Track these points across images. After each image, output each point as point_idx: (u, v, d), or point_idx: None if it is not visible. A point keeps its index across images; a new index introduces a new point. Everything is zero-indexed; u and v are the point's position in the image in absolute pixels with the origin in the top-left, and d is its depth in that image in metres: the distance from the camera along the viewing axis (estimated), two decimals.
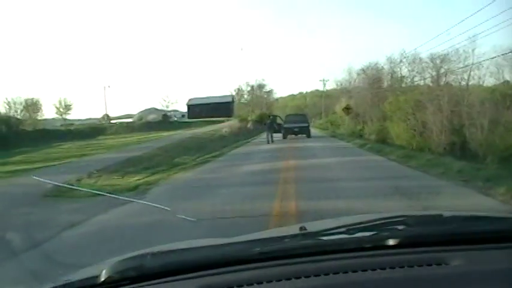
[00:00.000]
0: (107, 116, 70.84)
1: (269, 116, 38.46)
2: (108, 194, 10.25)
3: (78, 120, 72.49)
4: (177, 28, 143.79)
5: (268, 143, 28.84)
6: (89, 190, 11.08)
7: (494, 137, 25.85)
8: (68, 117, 72.67)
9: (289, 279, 1.34)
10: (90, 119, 77.91)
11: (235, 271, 1.41)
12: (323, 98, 69.81)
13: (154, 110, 75.17)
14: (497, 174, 10.12)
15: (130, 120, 68.63)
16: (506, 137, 25.15)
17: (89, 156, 23.79)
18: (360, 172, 12.54)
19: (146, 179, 13.52)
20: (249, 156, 19.66)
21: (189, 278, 1.39)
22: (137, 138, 36.91)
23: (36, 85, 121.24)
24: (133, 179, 13.65)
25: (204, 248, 1.73)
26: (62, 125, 58.79)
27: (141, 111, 77.46)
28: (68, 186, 11.75)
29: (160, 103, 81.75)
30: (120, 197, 9.73)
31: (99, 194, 10.65)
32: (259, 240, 1.73)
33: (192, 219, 6.89)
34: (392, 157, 16.26)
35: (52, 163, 20.91)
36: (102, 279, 1.41)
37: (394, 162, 14.99)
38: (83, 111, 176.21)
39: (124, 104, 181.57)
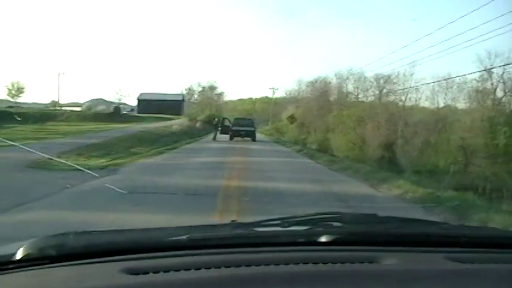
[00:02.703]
0: (58, 103, 71.75)
1: (219, 118, 42.06)
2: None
3: (24, 103, 72.67)
4: (132, 21, 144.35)
5: (214, 139, 34.44)
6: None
7: (415, 154, 30.02)
8: (14, 99, 73.16)
9: (218, 267, 1.34)
10: (36, 103, 77.74)
11: (162, 257, 1.41)
12: (272, 105, 72.85)
13: (102, 101, 76.06)
14: (388, 176, 14.01)
15: (78, 108, 69.39)
16: (427, 155, 29.26)
17: (48, 139, 25.26)
18: (289, 168, 16.47)
19: (112, 162, 16.35)
20: (200, 151, 23.33)
21: (112, 261, 1.37)
22: (90, 128, 37.87)
23: None
24: (99, 161, 16.37)
25: (132, 232, 1.71)
26: (8, 107, 59.15)
27: (89, 101, 77.96)
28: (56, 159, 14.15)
29: (113, 95, 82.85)
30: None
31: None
32: (189, 227, 1.70)
33: (123, 191, 7.93)
34: (320, 161, 20.42)
35: (12, 143, 22.33)
36: (19, 256, 1.38)
37: (320, 164, 19.10)
38: (29, 95, 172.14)
39: (71, 91, 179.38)
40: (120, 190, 8.08)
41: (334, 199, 9.51)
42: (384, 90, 39.48)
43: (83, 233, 1.61)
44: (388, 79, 38.63)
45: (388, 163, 30.14)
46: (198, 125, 51.58)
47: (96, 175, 11.34)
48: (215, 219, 7.20)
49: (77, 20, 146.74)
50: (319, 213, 1.81)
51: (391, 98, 38.29)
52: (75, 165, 12.90)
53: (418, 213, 8.77)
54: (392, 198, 10.71)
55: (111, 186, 8.32)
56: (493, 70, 25.10)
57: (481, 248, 1.68)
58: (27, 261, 1.37)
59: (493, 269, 1.51)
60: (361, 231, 1.71)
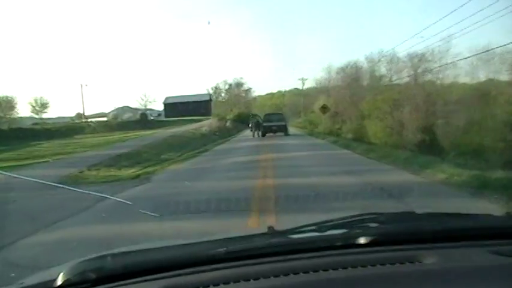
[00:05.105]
0: (83, 115, 73.27)
1: (251, 115, 42.73)
2: None
3: (49, 119, 74.30)
4: (151, 26, 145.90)
5: (253, 137, 35.95)
6: None
7: (458, 134, 29.42)
8: (38, 115, 75.06)
9: (257, 278, 1.36)
10: (61, 117, 79.40)
11: (200, 271, 1.43)
12: (302, 97, 72.82)
13: (128, 109, 77.42)
14: (430, 161, 13.83)
15: (104, 118, 70.62)
16: (471, 135, 28.61)
17: (77, 153, 25.91)
18: (325, 161, 16.50)
19: (143, 170, 16.58)
20: (232, 152, 23.62)
21: (151, 280, 1.41)
22: (118, 137, 38.56)
23: (9, 83, 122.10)
24: (131, 171, 16.59)
25: (168, 248, 1.76)
26: (33, 124, 60.71)
27: (115, 110, 79.40)
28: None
29: (138, 101, 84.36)
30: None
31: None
32: (226, 239, 1.74)
33: (155, 214, 7.64)
34: (357, 151, 20.45)
35: (41, 160, 22.46)
36: (60, 282, 1.42)
37: (357, 154, 19.11)
38: (53, 110, 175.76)
39: (96, 102, 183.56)
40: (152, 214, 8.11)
41: (375, 190, 9.44)
42: (419, 70, 38.67)
43: (120, 253, 1.67)
44: (422, 57, 37.80)
45: (430, 146, 29.61)
46: (227, 124, 51.96)
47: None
48: (253, 220, 7.29)
49: (95, 30, 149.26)
50: (355, 215, 1.84)
51: (428, 77, 37.47)
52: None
53: (465, 198, 8.69)
54: (437, 183, 10.57)
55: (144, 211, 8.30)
56: None
57: None
58: (68, 287, 1.43)
59: None
60: (399, 230, 1.72)
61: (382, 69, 45.63)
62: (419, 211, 2.04)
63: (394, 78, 43.99)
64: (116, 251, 1.70)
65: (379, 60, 45.78)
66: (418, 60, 38.74)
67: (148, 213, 7.73)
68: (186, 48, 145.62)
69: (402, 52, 44.53)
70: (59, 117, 78.69)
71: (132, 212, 8.51)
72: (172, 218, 7.68)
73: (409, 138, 32.99)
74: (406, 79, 40.45)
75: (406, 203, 7.74)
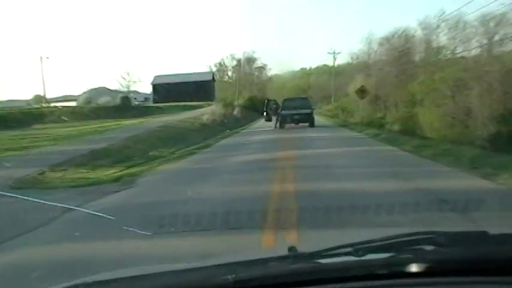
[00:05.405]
0: (44, 98, 73.25)
1: (266, 101, 43.06)
2: None
3: None
4: None
5: (275, 127, 36.90)
6: None
7: None
8: None
9: None
10: (13, 100, 78.24)
11: None
12: (333, 76, 72.83)
13: (105, 91, 77.45)
14: (509, 161, 13.58)
15: (73, 103, 70.58)
16: None
17: (35, 148, 25.33)
18: (363, 161, 16.49)
19: (126, 171, 16.79)
20: (242, 147, 23.81)
21: None
22: (92, 128, 38.52)
23: None
24: (109, 172, 16.76)
25: (160, 275, 1.74)
26: None
27: (87, 92, 79.60)
28: None
29: (118, 81, 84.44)
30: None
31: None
32: (234, 263, 1.76)
33: (146, 233, 7.56)
34: (406, 147, 20.27)
35: None
36: None
37: (406, 152, 18.97)
38: (0, 91, 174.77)
39: (62, 81, 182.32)
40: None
41: (430, 199, 9.31)
42: (496, 37, 37.56)
43: (97, 282, 1.67)
44: (502, 19, 36.40)
45: (508, 142, 29.07)
46: (235, 112, 52.10)
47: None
48: (268, 238, 7.24)
49: None
50: (404, 234, 1.78)
51: (508, 47, 36.68)
52: None
53: None
54: None
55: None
56: None
57: None
58: None
59: None
60: (463, 256, 1.64)
61: (442, 39, 44.73)
62: (492, 230, 1.88)
63: (458, 50, 43.22)
64: (91, 279, 1.66)
65: (438, 26, 44.85)
66: (495, 24, 37.41)
67: (137, 230, 7.64)
68: (181, 12, 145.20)
69: (471, 14, 43.25)
70: (9, 101, 77.75)
71: (110, 227, 8.51)
72: (165, 234, 7.68)
73: (478, 130, 32.61)
74: (476, 50, 39.67)
75: (473, 219, 7.55)
